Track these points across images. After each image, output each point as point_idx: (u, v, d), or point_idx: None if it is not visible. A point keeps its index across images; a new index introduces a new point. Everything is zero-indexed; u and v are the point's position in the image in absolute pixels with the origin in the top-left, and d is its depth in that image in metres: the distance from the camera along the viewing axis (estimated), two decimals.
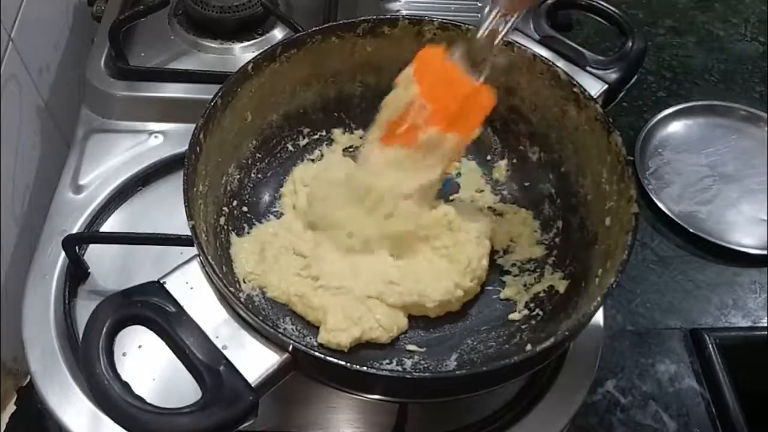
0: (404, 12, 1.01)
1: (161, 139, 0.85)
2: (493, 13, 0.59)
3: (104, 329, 0.50)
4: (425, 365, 0.64)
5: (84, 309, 0.72)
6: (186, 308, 0.53)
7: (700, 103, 1.05)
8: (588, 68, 0.74)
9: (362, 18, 0.71)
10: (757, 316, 0.85)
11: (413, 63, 0.65)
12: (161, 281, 0.55)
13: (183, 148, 0.63)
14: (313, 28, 0.70)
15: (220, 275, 0.54)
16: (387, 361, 0.64)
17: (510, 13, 0.59)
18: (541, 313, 0.66)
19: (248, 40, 0.93)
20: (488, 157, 0.77)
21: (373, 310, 0.63)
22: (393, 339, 0.64)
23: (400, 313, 0.65)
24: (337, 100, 0.76)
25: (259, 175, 0.74)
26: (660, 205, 0.92)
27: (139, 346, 0.56)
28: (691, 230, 0.90)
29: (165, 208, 0.79)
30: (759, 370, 0.80)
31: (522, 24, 0.77)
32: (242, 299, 0.61)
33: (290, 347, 0.52)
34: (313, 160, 0.76)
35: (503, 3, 0.58)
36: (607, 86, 0.73)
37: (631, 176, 0.60)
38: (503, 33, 0.60)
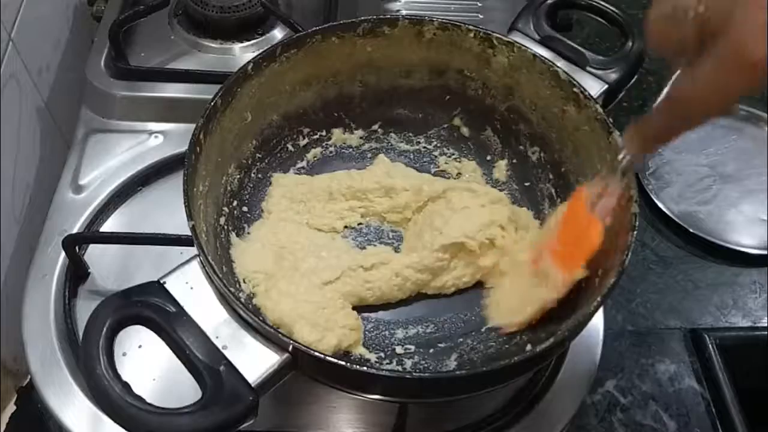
0: (404, 12, 1.01)
1: (161, 139, 0.85)
2: (622, 156, 0.55)
3: (104, 329, 0.50)
4: (425, 365, 0.64)
5: (84, 309, 0.72)
6: (186, 308, 0.53)
7: None
8: (588, 68, 0.74)
9: (362, 18, 0.71)
10: (757, 316, 0.85)
11: (573, 194, 0.63)
12: (161, 281, 0.55)
13: (183, 148, 0.63)
14: (313, 28, 0.70)
15: (220, 275, 0.54)
16: (387, 361, 0.64)
17: (640, 153, 0.55)
18: None
19: (248, 40, 0.93)
20: (488, 157, 0.77)
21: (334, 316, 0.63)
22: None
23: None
24: (337, 100, 0.76)
25: (259, 175, 0.74)
26: (660, 205, 0.92)
27: (139, 346, 0.56)
28: (691, 230, 0.90)
29: (165, 208, 0.79)
30: (759, 370, 0.80)
31: (522, 24, 0.77)
32: (242, 299, 0.61)
33: (290, 347, 0.52)
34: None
35: (633, 142, 0.53)
36: (607, 86, 0.73)
37: (631, 176, 0.60)
38: (630, 173, 0.57)
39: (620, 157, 0.54)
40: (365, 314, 0.67)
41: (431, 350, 0.65)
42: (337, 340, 0.61)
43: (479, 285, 0.69)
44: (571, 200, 0.63)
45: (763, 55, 0.40)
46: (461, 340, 0.66)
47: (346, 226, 0.72)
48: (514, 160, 0.76)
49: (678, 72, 0.46)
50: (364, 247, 0.70)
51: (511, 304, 0.65)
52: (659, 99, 0.47)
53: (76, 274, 0.73)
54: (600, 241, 0.58)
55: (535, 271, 0.63)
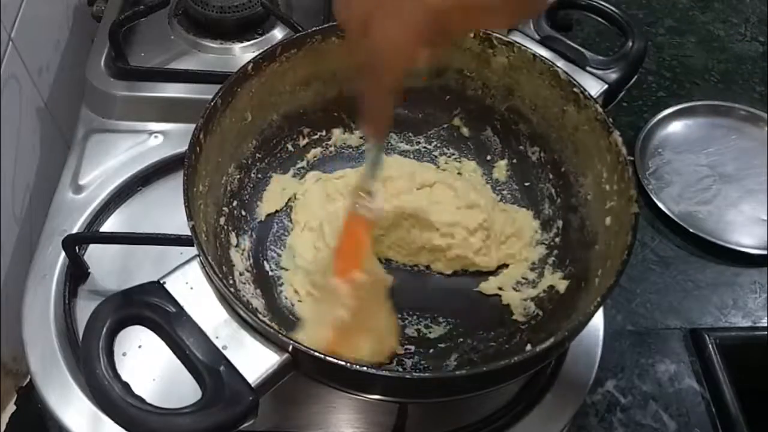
0: None
1: (161, 139, 0.85)
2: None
3: (104, 329, 0.50)
4: (425, 365, 0.64)
5: (84, 309, 0.72)
6: (186, 308, 0.53)
7: (700, 103, 1.05)
8: (588, 68, 0.74)
9: None
10: (757, 316, 0.85)
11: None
12: (161, 281, 0.54)
13: (183, 148, 0.62)
14: (313, 28, 0.70)
15: (220, 275, 0.54)
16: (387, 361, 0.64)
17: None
18: (541, 313, 0.66)
19: (248, 40, 0.93)
20: (488, 157, 0.77)
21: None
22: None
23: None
24: (337, 100, 0.76)
25: (259, 175, 0.74)
26: (660, 205, 0.92)
27: (139, 346, 0.56)
28: (691, 230, 0.90)
29: (165, 208, 0.79)
30: (759, 370, 0.80)
31: (522, 24, 0.77)
32: (242, 299, 0.61)
33: (290, 347, 0.52)
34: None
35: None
36: (607, 86, 0.73)
37: (631, 176, 0.60)
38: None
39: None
40: None
41: (431, 350, 0.65)
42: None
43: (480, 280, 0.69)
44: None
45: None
46: (461, 340, 0.66)
47: None
48: (514, 160, 0.76)
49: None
50: None
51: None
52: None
53: (76, 274, 0.73)
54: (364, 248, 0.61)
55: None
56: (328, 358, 0.50)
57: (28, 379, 0.87)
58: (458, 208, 0.71)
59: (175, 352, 0.53)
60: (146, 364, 0.57)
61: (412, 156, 0.78)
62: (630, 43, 0.77)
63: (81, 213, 0.78)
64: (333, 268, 0.61)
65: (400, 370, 0.63)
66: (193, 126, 0.61)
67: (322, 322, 0.60)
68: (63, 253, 0.72)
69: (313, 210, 0.72)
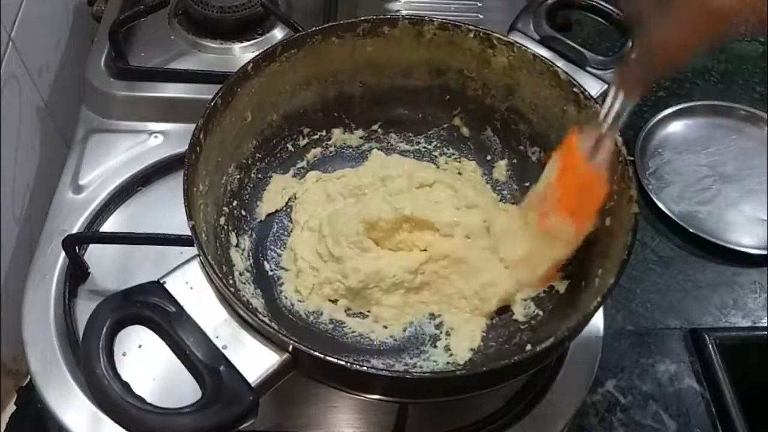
0: (404, 12, 1.01)
1: (161, 139, 0.85)
2: (611, 96, 0.58)
3: (104, 329, 0.50)
4: (425, 365, 0.64)
5: (84, 309, 0.72)
6: (186, 308, 0.53)
7: (700, 103, 1.05)
8: (588, 68, 0.74)
9: (362, 18, 0.71)
10: (757, 316, 0.85)
11: (560, 146, 0.64)
12: (161, 281, 0.55)
13: (183, 148, 0.62)
14: (313, 28, 0.70)
15: (220, 275, 0.54)
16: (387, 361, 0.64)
17: (630, 93, 0.57)
18: (541, 313, 0.66)
19: (248, 40, 0.93)
20: (488, 157, 0.77)
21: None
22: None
23: None
24: (337, 100, 0.76)
25: (259, 175, 0.74)
26: (660, 205, 0.92)
27: (139, 346, 0.56)
28: (691, 230, 0.90)
29: (165, 208, 0.79)
30: (759, 370, 0.80)
31: (522, 24, 0.77)
32: (242, 299, 0.61)
33: (290, 347, 0.52)
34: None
35: (622, 82, 0.57)
36: (607, 86, 0.73)
37: (631, 176, 0.60)
38: (623, 117, 0.58)
39: (611, 98, 0.57)
40: (367, 314, 0.67)
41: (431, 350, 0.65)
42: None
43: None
44: (562, 154, 0.63)
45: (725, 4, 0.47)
46: None
47: None
48: (514, 160, 0.76)
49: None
50: None
51: (527, 267, 0.66)
52: (640, 41, 0.53)
53: (76, 274, 0.73)
54: (607, 188, 0.59)
55: (544, 230, 0.64)
56: (328, 357, 0.50)
57: (28, 379, 0.87)
58: (458, 208, 0.71)
59: (175, 352, 0.53)
60: (146, 364, 0.56)
61: (412, 156, 0.78)
62: (630, 44, 0.76)
63: (81, 213, 0.78)
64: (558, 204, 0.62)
65: (401, 369, 0.63)
66: (193, 126, 0.61)
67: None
68: (63, 253, 0.72)
69: (313, 210, 0.72)
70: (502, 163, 0.76)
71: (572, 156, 0.61)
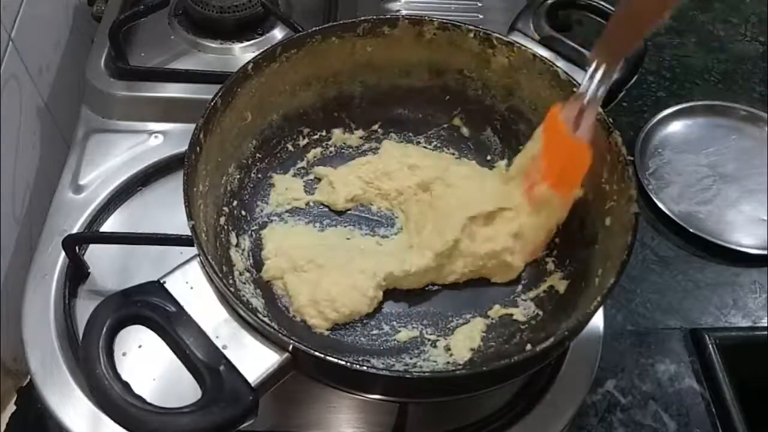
0: (404, 12, 1.01)
1: (161, 139, 0.85)
2: (592, 68, 0.61)
3: (104, 329, 0.50)
4: (425, 365, 0.64)
5: (84, 309, 0.72)
6: (186, 308, 0.53)
7: (700, 103, 1.05)
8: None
9: (362, 18, 0.71)
10: (757, 316, 0.85)
11: (546, 118, 0.66)
12: (161, 281, 0.55)
13: (183, 148, 0.62)
14: (313, 28, 0.70)
15: (220, 275, 0.54)
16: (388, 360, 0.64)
17: (610, 64, 0.60)
18: (541, 313, 0.66)
19: (248, 40, 0.93)
20: (488, 157, 0.77)
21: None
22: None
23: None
24: (337, 100, 0.76)
25: (259, 175, 0.74)
26: (660, 205, 0.92)
27: (139, 346, 0.56)
28: (691, 230, 0.90)
29: (165, 208, 0.79)
30: (759, 370, 0.80)
31: (522, 24, 0.77)
32: (242, 299, 0.61)
33: (290, 347, 0.52)
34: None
35: (601, 54, 0.60)
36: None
37: (631, 176, 0.60)
38: (604, 87, 0.61)
39: (591, 70, 0.60)
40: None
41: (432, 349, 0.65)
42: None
43: (483, 283, 0.69)
44: (546, 126, 0.65)
45: None
46: None
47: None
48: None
49: None
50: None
51: (519, 239, 0.68)
52: (615, 13, 0.58)
53: (76, 274, 0.73)
54: (590, 158, 0.62)
55: (532, 201, 0.66)
56: (328, 357, 0.50)
57: (28, 379, 0.87)
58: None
59: (175, 352, 0.53)
60: (146, 364, 0.56)
61: None
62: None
63: (81, 213, 0.78)
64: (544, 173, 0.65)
65: (401, 369, 0.63)
66: (193, 126, 0.61)
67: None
68: (63, 253, 0.72)
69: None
70: (502, 163, 0.76)
71: (556, 128, 0.64)
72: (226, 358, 0.51)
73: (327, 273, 0.65)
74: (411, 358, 0.64)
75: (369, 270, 0.65)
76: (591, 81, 0.61)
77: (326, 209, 0.74)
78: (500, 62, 0.72)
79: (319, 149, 0.77)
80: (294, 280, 0.66)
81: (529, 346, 0.55)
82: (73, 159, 0.83)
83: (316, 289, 0.64)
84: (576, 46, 0.75)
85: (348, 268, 0.65)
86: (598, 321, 0.72)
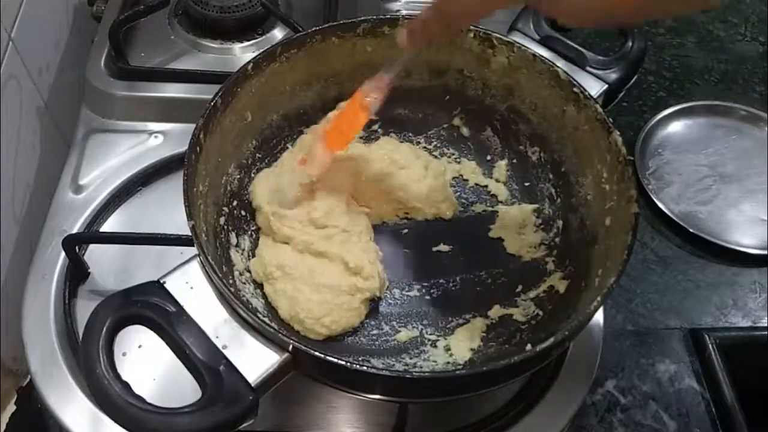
0: (404, 12, 1.01)
1: (161, 139, 0.85)
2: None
3: (104, 329, 0.50)
4: (425, 365, 0.64)
5: (84, 309, 0.72)
6: (186, 308, 0.53)
7: (700, 103, 1.05)
8: (588, 68, 0.74)
9: (362, 18, 0.71)
10: (757, 316, 0.85)
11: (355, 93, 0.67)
12: (161, 281, 0.55)
13: (183, 148, 0.62)
14: (313, 28, 0.70)
15: (220, 275, 0.54)
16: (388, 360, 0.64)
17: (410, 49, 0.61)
18: (541, 313, 0.66)
19: (248, 40, 0.93)
20: (488, 157, 0.77)
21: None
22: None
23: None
24: (337, 100, 0.76)
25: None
26: (660, 205, 0.92)
27: (139, 346, 0.56)
28: (691, 230, 0.90)
29: (165, 208, 0.79)
30: (759, 370, 0.80)
31: (522, 24, 0.77)
32: (242, 299, 0.61)
33: (290, 347, 0.52)
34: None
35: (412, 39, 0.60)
36: (607, 86, 0.73)
37: (631, 176, 0.60)
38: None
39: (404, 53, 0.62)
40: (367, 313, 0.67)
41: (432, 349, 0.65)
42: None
43: (483, 283, 0.69)
44: (353, 96, 0.67)
45: None
46: None
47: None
48: (514, 160, 0.76)
49: None
50: None
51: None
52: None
53: (76, 274, 0.73)
54: (361, 126, 0.66)
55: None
56: (328, 357, 0.50)
57: (28, 379, 0.87)
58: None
59: (175, 352, 0.53)
60: (146, 364, 0.57)
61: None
62: (630, 43, 0.77)
63: (81, 213, 0.78)
64: (323, 139, 0.68)
65: (401, 369, 0.63)
66: (193, 126, 0.61)
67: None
68: (63, 253, 0.72)
69: None
70: (502, 163, 0.76)
71: (354, 100, 0.66)
72: (226, 358, 0.51)
73: (298, 288, 0.64)
74: (411, 358, 0.64)
75: (341, 284, 0.65)
76: (399, 59, 0.63)
77: None
78: (500, 62, 0.72)
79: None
80: (269, 289, 0.65)
81: (529, 346, 0.55)
82: (73, 159, 0.83)
83: (294, 304, 0.63)
84: (576, 46, 0.75)
85: (316, 283, 0.64)
86: (598, 321, 0.72)
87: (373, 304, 0.67)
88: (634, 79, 0.76)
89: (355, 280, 0.64)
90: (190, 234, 0.56)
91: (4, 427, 0.85)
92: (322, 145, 0.68)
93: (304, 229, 0.67)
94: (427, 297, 0.68)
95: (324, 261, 0.66)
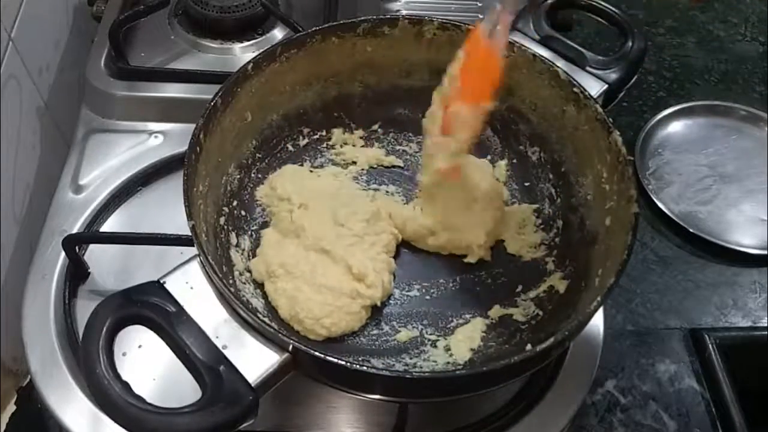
0: (404, 12, 1.01)
1: (161, 139, 0.85)
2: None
3: (104, 329, 0.50)
4: (425, 365, 0.64)
5: (84, 309, 0.72)
6: (186, 308, 0.53)
7: (700, 103, 1.05)
8: (588, 68, 0.74)
9: (362, 18, 0.71)
10: (757, 316, 0.85)
11: (469, 38, 0.64)
12: (161, 281, 0.55)
13: (183, 148, 0.62)
14: (313, 28, 0.70)
15: (220, 275, 0.54)
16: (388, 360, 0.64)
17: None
18: (541, 313, 0.66)
19: (248, 40, 0.93)
20: (488, 157, 0.77)
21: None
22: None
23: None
24: (337, 100, 0.76)
25: (259, 175, 0.74)
26: (660, 205, 0.92)
27: (139, 346, 0.56)
28: (691, 230, 0.90)
29: (165, 208, 0.79)
30: (759, 370, 0.80)
31: (522, 24, 0.77)
32: (242, 299, 0.61)
33: (290, 347, 0.52)
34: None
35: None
36: (607, 86, 0.73)
37: (631, 176, 0.60)
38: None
39: None
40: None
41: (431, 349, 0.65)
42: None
43: (483, 283, 0.69)
44: (468, 43, 0.64)
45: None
46: None
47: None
48: (514, 160, 0.76)
49: None
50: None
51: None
52: None
53: (76, 274, 0.73)
54: (500, 67, 0.62)
55: (445, 124, 0.66)
56: (328, 357, 0.50)
57: (28, 379, 0.87)
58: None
59: (175, 352, 0.53)
60: (146, 364, 0.57)
61: (411, 156, 0.78)
62: (630, 43, 0.76)
63: (81, 213, 0.78)
64: (463, 96, 0.63)
65: (401, 369, 0.63)
66: (193, 126, 0.61)
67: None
68: (63, 253, 0.72)
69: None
70: (502, 163, 0.76)
71: (474, 47, 0.63)
72: (226, 359, 0.51)
73: (299, 288, 0.64)
74: (411, 358, 0.64)
75: (342, 287, 0.64)
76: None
77: None
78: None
79: (318, 149, 0.77)
80: (270, 287, 0.65)
81: (529, 346, 0.55)
82: (73, 159, 0.83)
83: (294, 304, 0.63)
84: (576, 46, 0.75)
85: (317, 284, 0.64)
86: (598, 321, 0.72)
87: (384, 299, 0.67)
88: (634, 79, 0.76)
89: (357, 286, 0.64)
90: (190, 234, 0.56)
91: (4, 427, 0.85)
92: (463, 102, 0.63)
93: (320, 226, 0.67)
94: (427, 297, 0.68)
95: (327, 260, 0.65)
